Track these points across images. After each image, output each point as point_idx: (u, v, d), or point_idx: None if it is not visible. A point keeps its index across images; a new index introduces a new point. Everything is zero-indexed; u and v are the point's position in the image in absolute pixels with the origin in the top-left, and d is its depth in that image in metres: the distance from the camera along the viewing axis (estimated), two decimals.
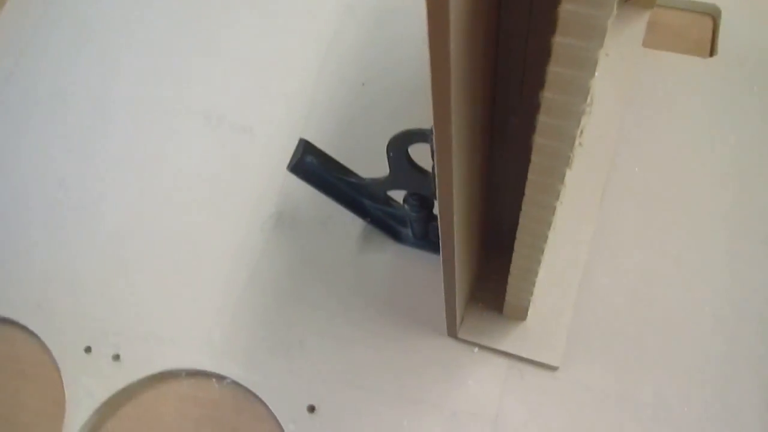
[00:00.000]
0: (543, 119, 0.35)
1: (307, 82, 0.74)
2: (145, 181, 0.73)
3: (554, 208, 0.46)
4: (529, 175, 0.41)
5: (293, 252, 0.67)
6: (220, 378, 0.64)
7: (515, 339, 0.60)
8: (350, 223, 0.67)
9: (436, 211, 0.46)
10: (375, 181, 0.58)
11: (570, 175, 0.64)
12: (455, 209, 0.42)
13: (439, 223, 0.44)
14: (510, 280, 0.54)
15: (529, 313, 0.60)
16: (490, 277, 0.61)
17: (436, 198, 0.55)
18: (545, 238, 0.49)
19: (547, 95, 0.33)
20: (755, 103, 0.67)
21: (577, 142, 0.39)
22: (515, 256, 0.51)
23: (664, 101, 0.68)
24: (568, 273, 0.62)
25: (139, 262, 0.69)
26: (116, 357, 0.65)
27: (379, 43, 0.75)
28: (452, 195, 0.40)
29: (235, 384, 0.63)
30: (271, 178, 0.70)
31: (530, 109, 0.36)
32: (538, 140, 0.36)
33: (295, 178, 0.58)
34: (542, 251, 0.50)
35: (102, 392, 0.64)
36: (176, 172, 0.73)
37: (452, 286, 0.52)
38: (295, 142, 0.58)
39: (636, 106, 0.68)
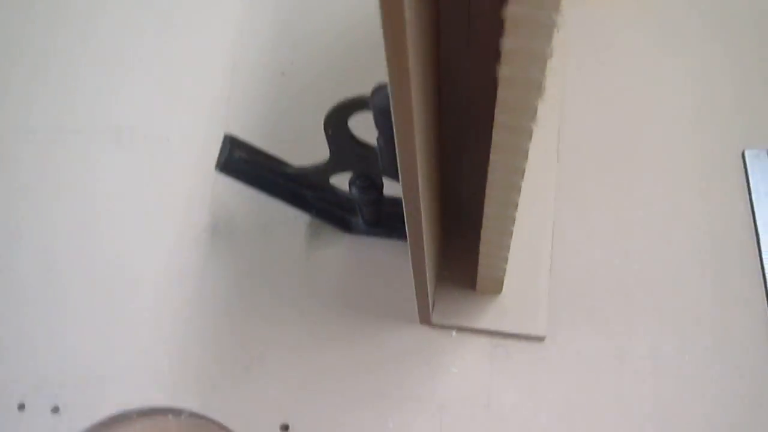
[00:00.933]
0: (509, 44, 0.29)
1: (221, 80, 0.68)
2: (61, 213, 0.65)
3: (523, 171, 0.41)
4: (494, 136, 0.36)
5: (236, 263, 0.60)
6: (177, 412, 0.57)
7: (494, 315, 0.55)
8: (294, 221, 0.61)
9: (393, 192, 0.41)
10: (315, 168, 0.53)
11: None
12: (420, 179, 0.37)
13: (403, 199, 0.39)
14: (482, 249, 0.49)
15: (504, 284, 0.56)
16: (456, 253, 0.56)
17: (385, 175, 0.50)
18: (515, 204, 0.44)
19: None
20: (697, 25, 0.64)
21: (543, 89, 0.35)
22: (485, 225, 0.47)
23: (602, 40, 0.64)
24: (537, 237, 0.57)
25: (66, 300, 0.62)
26: (55, 409, 0.58)
27: (294, 28, 0.69)
28: (416, 162, 0.35)
29: (195, 416, 0.57)
30: (199, 187, 0.63)
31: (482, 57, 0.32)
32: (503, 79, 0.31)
33: (225, 181, 0.52)
34: (513, 218, 0.45)
35: None
36: (93, 197, 0.65)
37: (422, 268, 0.47)
38: (218, 144, 0.52)
39: (576, 50, 0.64)
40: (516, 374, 0.54)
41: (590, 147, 0.60)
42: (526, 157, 0.39)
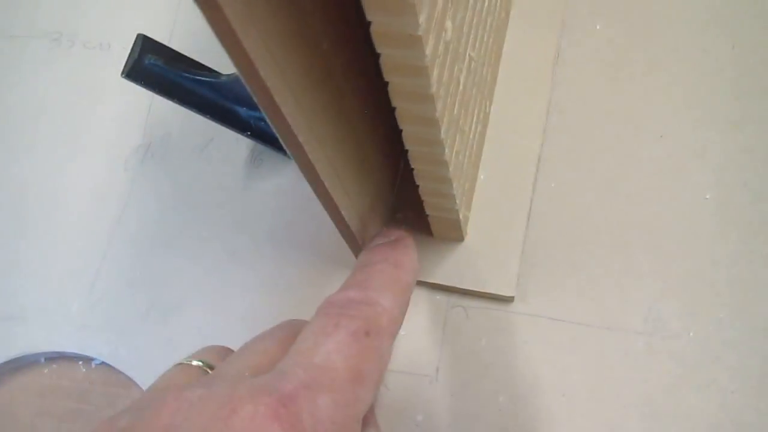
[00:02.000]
0: None
1: None
2: None
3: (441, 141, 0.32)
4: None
5: (165, 191, 0.52)
6: (87, 360, 0.50)
7: (453, 267, 0.45)
8: (236, 145, 0.51)
9: None
10: (235, 76, 0.43)
11: (512, 38, 0.49)
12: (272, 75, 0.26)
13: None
14: (421, 190, 0.39)
15: (469, 229, 0.45)
16: (411, 184, 0.45)
17: None
18: (444, 163, 0.35)
19: None
20: None
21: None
22: (415, 169, 0.36)
23: None
24: (516, 174, 0.46)
25: None
26: None
27: None
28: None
29: (106, 366, 0.49)
30: (136, 103, 0.54)
31: None
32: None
33: (165, 100, 0.44)
34: (446, 163, 0.35)
35: None
36: (22, 109, 0.57)
37: (335, 208, 0.37)
38: None
39: None
40: (475, 341, 0.44)
41: (594, 61, 0.48)
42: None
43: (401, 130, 0.33)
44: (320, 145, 0.31)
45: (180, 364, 0.31)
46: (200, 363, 0.31)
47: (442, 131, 0.32)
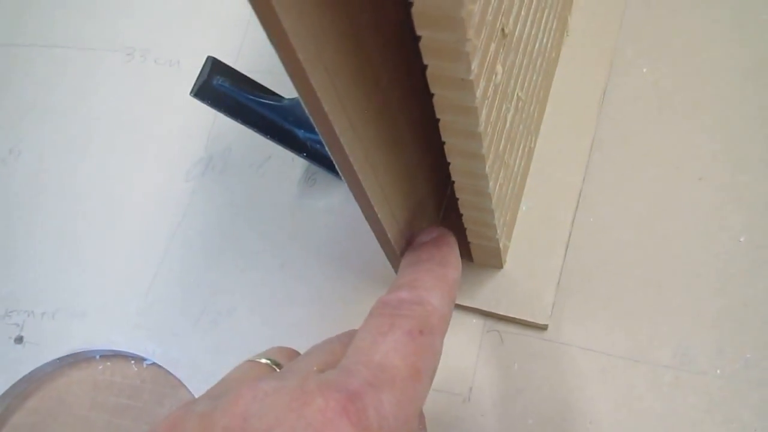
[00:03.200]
0: None
1: (241, 6, 0.61)
2: (58, 131, 0.61)
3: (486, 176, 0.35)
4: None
5: (223, 203, 0.55)
6: (140, 359, 0.53)
7: (491, 293, 0.47)
8: (292, 164, 0.54)
9: None
10: (296, 101, 0.46)
11: (561, 77, 0.51)
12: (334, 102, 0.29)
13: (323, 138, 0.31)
14: (464, 217, 0.41)
15: (508, 257, 0.47)
16: (455, 212, 0.47)
17: None
18: (487, 195, 0.37)
19: None
20: None
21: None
22: (459, 198, 0.39)
23: None
24: (556, 206, 0.48)
25: (43, 225, 0.58)
26: (19, 339, 0.54)
27: None
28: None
29: (157, 366, 0.52)
30: (200, 118, 0.58)
31: None
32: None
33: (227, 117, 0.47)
34: (489, 195, 0.37)
35: (2, 380, 0.53)
36: (95, 117, 0.61)
37: (382, 231, 0.39)
38: None
39: None
40: (508, 365, 0.46)
41: (641, 101, 0.50)
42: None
43: (449, 162, 0.35)
44: (373, 172, 0.34)
45: (250, 360, 0.33)
46: (268, 361, 0.33)
47: (487, 166, 0.34)
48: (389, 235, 0.39)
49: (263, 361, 0.34)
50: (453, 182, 0.37)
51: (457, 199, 0.39)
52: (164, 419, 0.29)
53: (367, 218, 0.37)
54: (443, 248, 0.38)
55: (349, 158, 0.31)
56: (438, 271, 0.36)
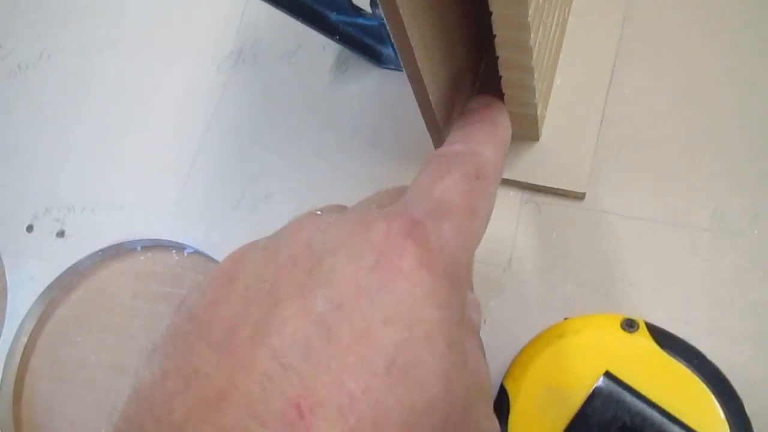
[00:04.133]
0: None
1: None
2: (87, 30, 0.62)
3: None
4: None
5: (256, 93, 0.55)
6: (180, 248, 0.53)
7: (528, 164, 0.47)
8: (323, 52, 0.54)
9: None
10: None
11: None
12: None
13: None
14: (503, 84, 0.41)
15: (544, 129, 0.47)
16: (491, 78, 0.47)
17: None
18: (528, 49, 0.37)
19: None
20: None
21: None
22: (500, 58, 0.39)
23: None
24: (592, 77, 0.48)
25: (79, 123, 0.59)
26: (61, 234, 0.55)
27: None
28: None
29: (198, 254, 0.53)
30: (229, 11, 0.58)
31: None
32: None
33: (257, 5, 0.47)
34: (530, 50, 0.37)
35: (46, 274, 0.54)
36: (123, 17, 0.61)
37: (428, 103, 0.39)
38: None
39: None
40: (547, 234, 0.46)
41: None
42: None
43: (489, 29, 0.35)
44: (416, 21, 0.34)
45: (307, 212, 0.34)
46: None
47: (530, 13, 0.35)
48: (428, 91, 0.39)
49: (318, 213, 0.34)
50: (487, 56, 0.38)
51: (497, 58, 0.39)
52: (228, 255, 0.29)
53: (407, 66, 0.38)
54: (493, 110, 0.39)
55: (404, 23, 0.32)
56: (489, 129, 0.37)
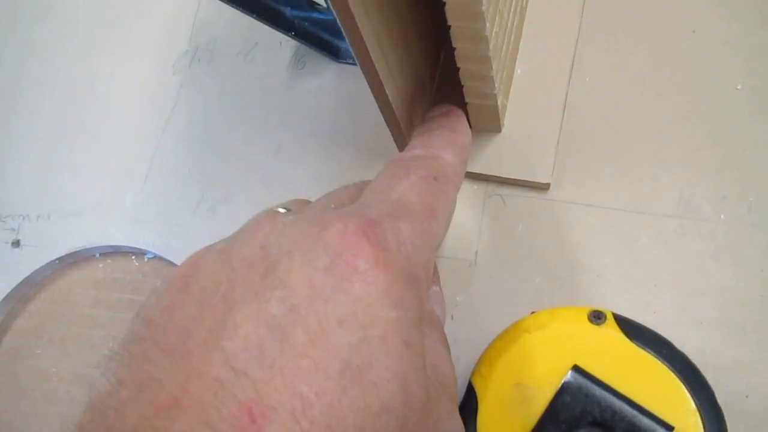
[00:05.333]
0: None
1: None
2: (37, 33, 0.60)
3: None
4: None
5: (212, 93, 0.54)
6: (140, 254, 0.52)
7: (491, 156, 0.46)
8: (279, 47, 0.53)
9: None
10: None
11: None
12: None
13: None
14: (461, 73, 0.41)
15: (506, 120, 0.47)
16: (449, 83, 0.46)
17: None
18: (484, 38, 0.36)
19: None
20: None
21: None
22: (456, 48, 0.38)
23: None
24: (551, 66, 0.47)
25: (31, 129, 0.57)
26: (16, 243, 0.54)
27: None
28: None
29: (158, 260, 0.52)
30: (182, 9, 0.56)
31: None
32: None
33: (210, 5, 0.46)
34: (486, 39, 0.36)
35: (2, 285, 0.53)
36: (74, 17, 0.60)
37: (385, 98, 0.38)
38: None
39: None
40: (512, 227, 0.46)
41: None
42: None
43: (445, 20, 0.35)
44: (368, 17, 0.33)
45: (267, 210, 0.33)
46: (285, 209, 0.33)
47: (483, 3, 0.34)
48: (387, 92, 0.38)
49: (280, 209, 0.33)
50: (446, 48, 0.37)
51: (454, 49, 0.38)
52: (185, 259, 0.29)
53: (364, 71, 0.37)
54: (452, 117, 0.39)
55: (355, 20, 0.31)
56: (449, 135, 0.37)
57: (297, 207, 0.34)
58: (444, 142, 0.36)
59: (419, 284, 0.28)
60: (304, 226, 0.27)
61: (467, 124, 0.39)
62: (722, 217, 0.43)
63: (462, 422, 0.30)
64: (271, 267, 0.26)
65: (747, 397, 0.40)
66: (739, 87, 0.45)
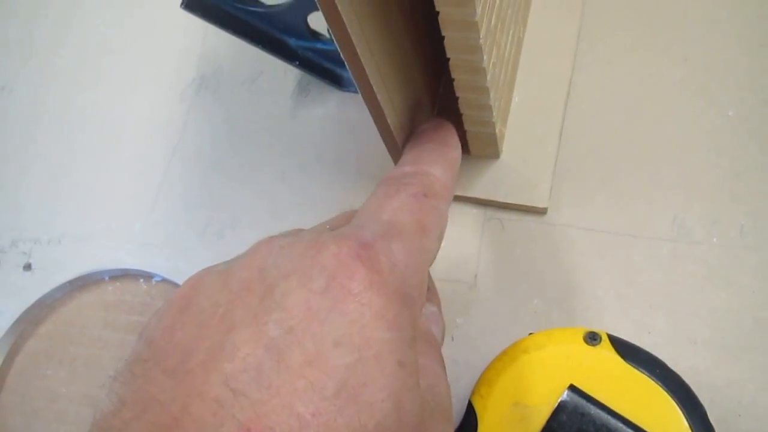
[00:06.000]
0: None
1: None
2: (49, 62, 0.62)
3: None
4: None
5: (219, 120, 0.55)
6: (148, 277, 0.53)
7: (489, 181, 0.48)
8: (284, 76, 0.55)
9: None
10: (284, 7, 0.46)
11: None
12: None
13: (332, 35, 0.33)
14: (460, 104, 0.42)
15: (504, 146, 0.48)
16: (449, 110, 0.48)
17: None
18: (482, 70, 0.38)
19: None
20: None
21: None
22: (455, 79, 0.39)
23: None
24: (548, 94, 0.49)
25: (43, 155, 0.59)
26: (27, 267, 0.55)
27: None
28: None
29: (166, 282, 0.53)
30: (189, 39, 0.58)
31: None
32: None
33: (218, 33, 0.47)
34: (484, 71, 0.38)
35: (14, 307, 0.54)
36: (83, 48, 0.61)
37: (386, 125, 0.40)
38: None
39: None
40: (510, 250, 0.47)
41: None
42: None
43: (444, 52, 0.36)
44: (370, 50, 0.35)
45: (268, 237, 0.35)
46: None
47: (481, 36, 0.35)
48: (388, 120, 0.40)
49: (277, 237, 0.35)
50: (446, 76, 0.38)
51: (453, 80, 0.40)
52: (186, 281, 0.30)
53: (366, 101, 0.38)
54: (442, 131, 0.40)
55: (347, 29, 0.32)
56: (439, 149, 0.38)
57: (296, 232, 0.35)
58: (433, 156, 0.37)
59: (413, 304, 0.29)
60: (301, 249, 0.28)
61: (457, 136, 0.40)
62: (715, 240, 0.44)
63: None
64: (268, 290, 0.27)
65: (740, 416, 0.41)
66: (730, 113, 0.47)
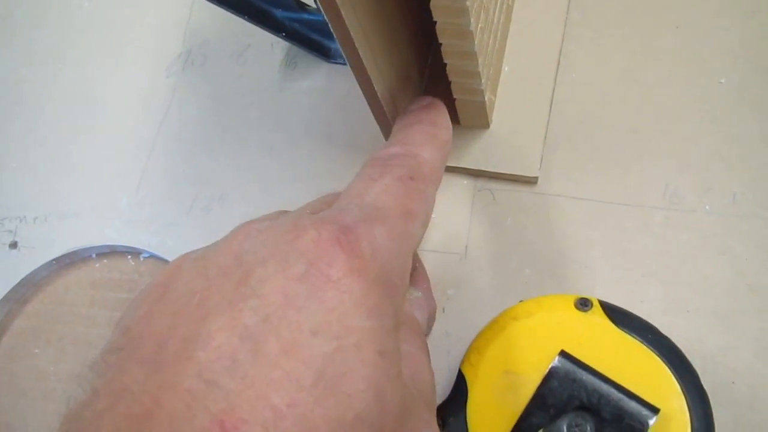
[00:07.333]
0: None
1: None
2: (33, 38, 0.61)
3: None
4: None
5: (206, 95, 0.54)
6: (136, 253, 0.53)
7: (479, 151, 0.47)
8: (271, 50, 0.54)
9: None
10: None
11: None
12: None
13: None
14: (448, 69, 0.41)
15: (494, 116, 0.47)
16: (439, 81, 0.47)
17: None
18: (469, 34, 0.37)
19: None
20: None
21: None
22: (442, 44, 0.39)
23: None
24: (538, 63, 0.48)
25: (28, 132, 0.58)
26: (13, 245, 0.54)
27: None
28: None
29: (154, 259, 0.52)
30: (175, 13, 0.57)
31: None
32: None
33: (203, 8, 0.46)
34: (472, 36, 0.37)
35: (0, 286, 0.53)
36: (69, 23, 0.60)
37: (374, 95, 0.39)
38: None
39: None
40: (501, 220, 0.46)
41: None
42: None
43: (431, 17, 0.35)
44: (356, 15, 0.34)
45: (247, 221, 0.34)
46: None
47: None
48: (375, 87, 0.39)
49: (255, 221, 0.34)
50: (434, 47, 0.38)
51: (440, 44, 0.39)
52: (163, 268, 0.29)
53: (352, 67, 0.38)
54: (432, 111, 0.39)
55: (342, 16, 0.32)
56: (428, 129, 0.37)
57: (276, 215, 0.34)
58: (423, 137, 0.36)
59: (395, 291, 0.28)
60: (279, 234, 0.27)
61: (448, 117, 0.38)
62: (707, 208, 0.44)
63: (438, 429, 0.31)
64: (244, 276, 0.26)
65: (733, 383, 0.40)
66: (722, 81, 0.46)
